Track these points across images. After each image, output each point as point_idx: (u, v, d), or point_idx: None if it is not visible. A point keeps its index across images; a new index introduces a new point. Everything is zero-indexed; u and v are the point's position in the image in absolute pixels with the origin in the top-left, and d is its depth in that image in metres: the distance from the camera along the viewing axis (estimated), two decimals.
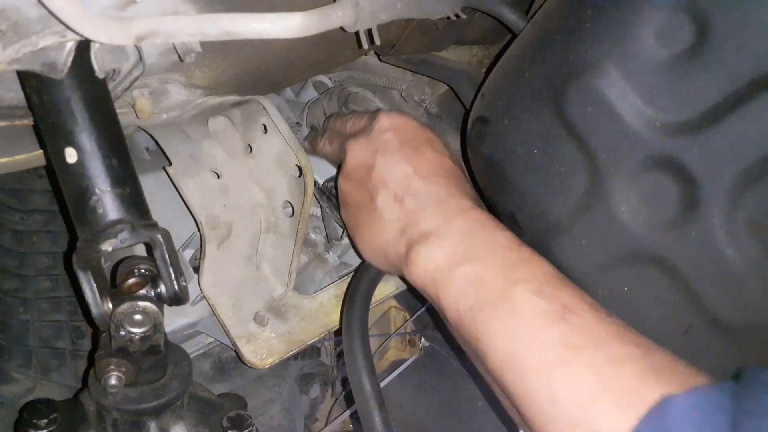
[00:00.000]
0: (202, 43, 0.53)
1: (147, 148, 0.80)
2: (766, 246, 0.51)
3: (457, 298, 0.56)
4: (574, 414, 0.47)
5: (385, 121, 0.66)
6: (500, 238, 0.57)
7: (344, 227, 0.81)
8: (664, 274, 0.55)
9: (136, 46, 0.53)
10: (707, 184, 0.51)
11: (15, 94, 0.56)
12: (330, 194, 0.81)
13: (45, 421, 0.59)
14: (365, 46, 0.55)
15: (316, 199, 0.82)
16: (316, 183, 0.79)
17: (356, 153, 0.67)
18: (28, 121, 0.62)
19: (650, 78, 0.52)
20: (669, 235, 0.54)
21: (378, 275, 0.73)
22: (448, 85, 0.82)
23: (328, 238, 0.84)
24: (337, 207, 0.80)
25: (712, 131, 0.51)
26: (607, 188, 0.56)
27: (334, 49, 0.68)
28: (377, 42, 0.55)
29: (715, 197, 0.51)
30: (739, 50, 0.49)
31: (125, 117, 0.64)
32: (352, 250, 0.85)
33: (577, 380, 0.47)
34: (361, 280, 0.72)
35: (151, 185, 0.74)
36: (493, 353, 0.52)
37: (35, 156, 0.65)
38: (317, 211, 0.83)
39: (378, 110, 0.72)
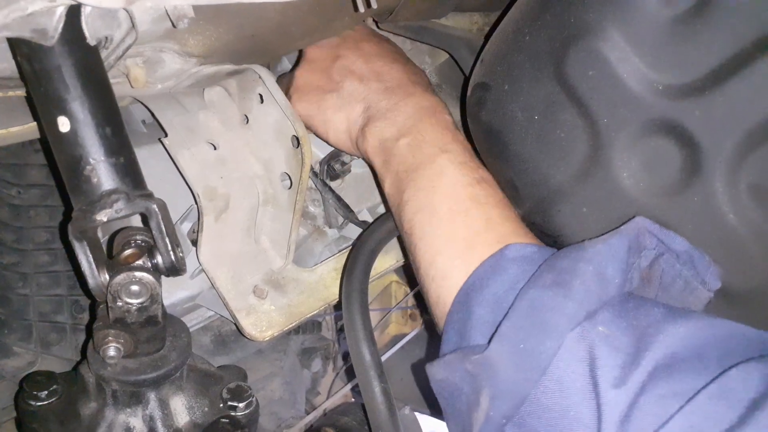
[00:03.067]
0: (196, 9, 0.51)
1: (143, 121, 0.79)
2: None
3: (399, 161, 0.66)
4: (461, 247, 0.59)
5: (352, 32, 0.75)
6: (441, 120, 0.67)
7: (343, 214, 0.81)
8: None
9: (127, 12, 0.52)
10: (709, 148, 0.51)
11: (8, 65, 0.55)
12: (332, 175, 0.81)
13: (45, 392, 0.60)
14: (361, 9, 0.54)
15: (316, 188, 0.82)
16: (313, 170, 0.79)
17: (319, 47, 0.74)
18: (22, 92, 0.61)
19: (652, 39, 0.51)
20: (670, 201, 0.53)
21: (377, 247, 0.73)
22: (448, 53, 0.81)
23: (329, 225, 0.84)
24: (334, 193, 0.80)
25: (714, 94, 0.50)
26: (608, 154, 0.55)
27: (331, 14, 0.67)
28: (374, 6, 0.54)
29: (717, 161, 0.50)
30: (744, 9, 0.48)
31: (120, 87, 0.63)
32: (351, 224, 0.84)
33: (472, 224, 0.59)
34: (360, 252, 0.71)
35: (148, 157, 0.73)
36: (414, 202, 0.63)
37: (30, 128, 0.65)
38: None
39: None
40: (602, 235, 0.52)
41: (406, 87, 0.70)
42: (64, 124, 0.51)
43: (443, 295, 0.59)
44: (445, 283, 0.59)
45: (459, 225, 0.60)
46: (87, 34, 0.51)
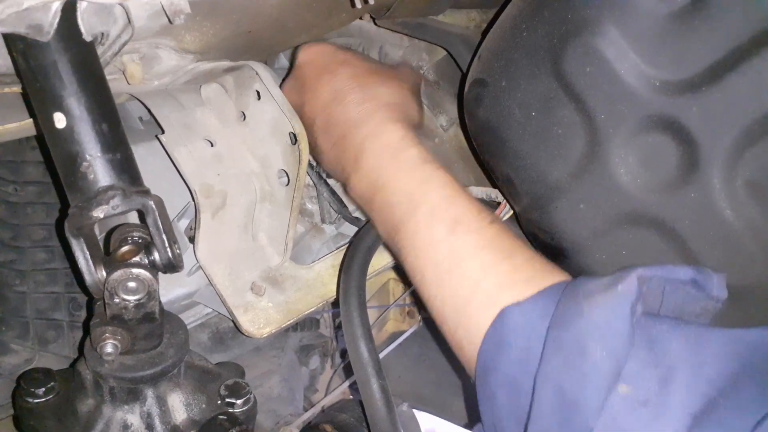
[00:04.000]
0: (192, 5, 0.51)
1: (140, 118, 0.79)
2: (765, 206, 0.50)
3: (381, 220, 0.65)
4: (455, 316, 0.58)
5: (301, 55, 0.70)
6: (403, 162, 0.63)
7: (336, 209, 0.81)
8: (663, 237, 0.55)
9: (123, 7, 0.52)
10: (707, 144, 0.51)
11: (3, 61, 0.55)
12: (322, 174, 0.81)
13: (42, 389, 0.60)
14: (359, 5, 0.54)
15: (312, 181, 0.81)
16: (309, 162, 0.79)
17: (289, 95, 0.71)
18: (18, 89, 0.61)
19: (649, 36, 0.51)
20: (668, 197, 0.53)
21: (374, 244, 0.73)
22: (446, 50, 0.81)
23: (323, 219, 0.84)
24: (328, 187, 0.80)
25: (712, 90, 0.50)
26: (606, 150, 0.55)
27: (328, 10, 0.67)
28: (371, 2, 0.54)
29: (714, 158, 0.51)
30: (741, 5, 0.48)
31: (116, 84, 0.63)
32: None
33: (458, 288, 0.57)
34: (358, 249, 0.71)
35: (145, 155, 0.73)
36: (407, 266, 0.62)
37: (26, 125, 0.64)
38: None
39: (297, 47, 0.74)
40: (600, 283, 0.50)
41: (360, 128, 0.65)
42: (60, 121, 0.51)
43: (465, 363, 0.59)
44: (462, 354, 0.59)
45: (447, 290, 0.58)
46: (83, 30, 0.51)
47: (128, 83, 0.63)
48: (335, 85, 0.67)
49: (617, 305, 0.48)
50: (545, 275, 0.56)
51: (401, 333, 1.11)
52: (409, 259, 0.62)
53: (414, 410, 0.91)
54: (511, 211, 0.74)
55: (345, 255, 0.72)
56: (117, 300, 0.53)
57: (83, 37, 0.51)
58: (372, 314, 1.13)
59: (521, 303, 0.53)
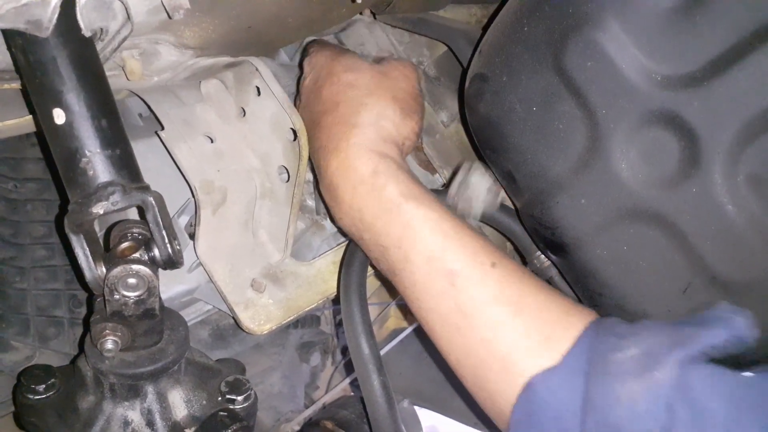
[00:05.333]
0: (191, 0, 0.51)
1: (140, 114, 0.79)
2: (767, 201, 0.50)
3: (374, 258, 0.64)
4: (474, 378, 0.56)
5: (306, 67, 0.71)
6: (383, 201, 0.59)
7: None
8: (664, 232, 0.54)
9: (122, 2, 0.52)
10: (708, 139, 0.50)
11: (2, 57, 0.55)
12: None
13: (43, 386, 0.59)
14: (359, 0, 0.53)
15: (312, 176, 0.81)
16: (310, 159, 0.78)
17: (299, 108, 0.70)
18: (17, 85, 0.61)
19: (651, 30, 0.51)
20: (669, 192, 0.53)
21: None
22: (447, 45, 0.81)
23: (317, 212, 0.84)
24: None
25: (713, 84, 0.49)
26: (607, 145, 0.55)
27: (328, 5, 0.67)
28: None
29: (716, 152, 0.50)
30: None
31: (116, 80, 0.63)
32: None
33: (471, 349, 0.55)
34: (358, 246, 0.71)
35: (145, 151, 0.73)
36: (412, 309, 0.60)
37: (26, 121, 0.64)
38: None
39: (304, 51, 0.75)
40: (631, 355, 0.50)
41: (331, 158, 0.63)
42: (59, 116, 0.50)
43: (492, 419, 0.58)
44: (487, 411, 0.57)
45: (460, 349, 0.56)
46: (82, 25, 0.51)
47: (128, 79, 0.62)
48: (318, 106, 0.66)
49: (657, 396, 0.47)
50: (561, 331, 0.53)
51: (402, 330, 1.11)
52: (413, 306, 0.60)
53: (415, 407, 0.91)
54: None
55: (345, 251, 0.72)
56: (117, 296, 0.53)
57: (82, 32, 0.51)
58: (373, 311, 1.13)
59: (546, 373, 0.51)
